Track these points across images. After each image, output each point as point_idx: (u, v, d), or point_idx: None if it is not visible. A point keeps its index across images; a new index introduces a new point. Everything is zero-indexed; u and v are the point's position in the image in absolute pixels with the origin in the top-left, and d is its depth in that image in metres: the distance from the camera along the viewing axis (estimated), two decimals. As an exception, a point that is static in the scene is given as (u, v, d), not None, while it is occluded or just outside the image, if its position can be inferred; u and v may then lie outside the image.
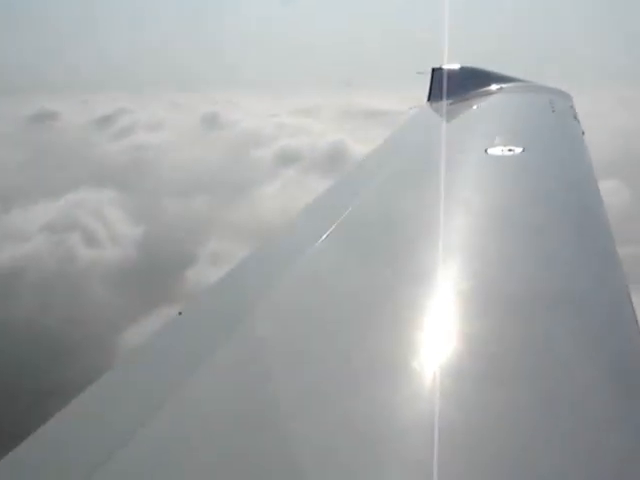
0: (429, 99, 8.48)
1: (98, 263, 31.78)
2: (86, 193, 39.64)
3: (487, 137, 5.42)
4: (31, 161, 55.37)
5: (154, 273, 31.16)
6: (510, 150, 4.82)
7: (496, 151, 4.83)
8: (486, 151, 4.86)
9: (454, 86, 8.17)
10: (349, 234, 3.56)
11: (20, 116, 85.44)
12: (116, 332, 24.42)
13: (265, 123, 75.20)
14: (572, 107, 7.26)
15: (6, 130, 74.42)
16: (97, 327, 25.19)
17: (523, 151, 4.78)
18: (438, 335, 2.39)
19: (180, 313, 2.76)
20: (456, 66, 8.76)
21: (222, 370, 2.30)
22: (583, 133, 6.00)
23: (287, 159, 54.32)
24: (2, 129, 75.58)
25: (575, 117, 6.66)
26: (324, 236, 3.38)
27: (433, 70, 8.70)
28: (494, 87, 8.32)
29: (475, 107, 7.49)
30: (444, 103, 7.85)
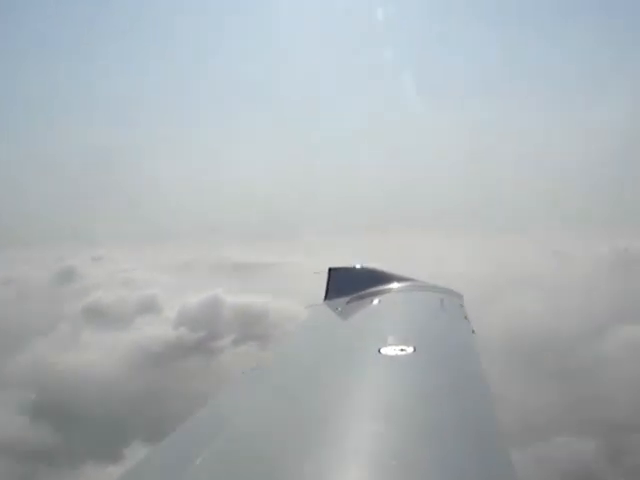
0: (325, 298, 8.51)
1: None
2: None
3: (380, 337, 5.56)
4: None
5: None
6: (402, 350, 4.92)
7: (389, 351, 4.92)
8: (379, 351, 4.95)
9: (350, 285, 8.37)
10: (241, 439, 3.62)
11: None
12: None
13: (113, 278, 76.41)
14: (462, 306, 7.51)
15: None
16: None
17: (414, 351, 4.89)
18: None
19: None
20: (353, 266, 9.06)
21: None
22: (473, 332, 6.18)
23: (90, 314, 55.38)
24: None
25: (465, 316, 6.89)
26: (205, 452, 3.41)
27: (330, 270, 8.87)
28: (389, 286, 8.47)
29: (370, 306, 7.58)
30: (340, 302, 7.95)
